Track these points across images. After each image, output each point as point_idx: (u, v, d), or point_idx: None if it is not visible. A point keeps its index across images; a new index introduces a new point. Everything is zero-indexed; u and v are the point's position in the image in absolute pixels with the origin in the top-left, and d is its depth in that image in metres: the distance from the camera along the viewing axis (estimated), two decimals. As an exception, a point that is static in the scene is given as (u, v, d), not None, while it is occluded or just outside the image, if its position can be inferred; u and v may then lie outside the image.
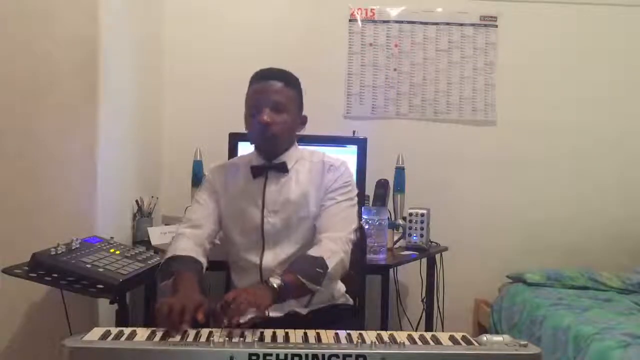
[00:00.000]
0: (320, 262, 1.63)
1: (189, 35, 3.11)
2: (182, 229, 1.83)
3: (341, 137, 2.84)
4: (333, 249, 1.69)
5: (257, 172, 1.83)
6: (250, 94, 1.80)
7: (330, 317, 1.80)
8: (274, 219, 1.79)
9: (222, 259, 1.94)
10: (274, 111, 1.75)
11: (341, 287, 1.92)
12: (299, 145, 1.90)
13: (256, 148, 1.86)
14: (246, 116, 1.82)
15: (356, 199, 1.87)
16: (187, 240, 1.78)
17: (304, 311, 1.75)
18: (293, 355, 1.17)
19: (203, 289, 1.62)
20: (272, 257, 1.79)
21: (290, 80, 1.81)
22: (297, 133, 1.88)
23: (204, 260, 1.78)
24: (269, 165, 1.83)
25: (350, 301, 1.96)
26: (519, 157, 3.25)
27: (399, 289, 3.00)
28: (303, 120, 1.88)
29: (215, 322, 1.40)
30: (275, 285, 1.51)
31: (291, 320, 1.69)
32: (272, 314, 1.50)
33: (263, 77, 1.79)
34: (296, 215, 1.79)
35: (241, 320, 1.34)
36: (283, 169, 1.81)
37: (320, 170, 1.82)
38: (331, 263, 1.65)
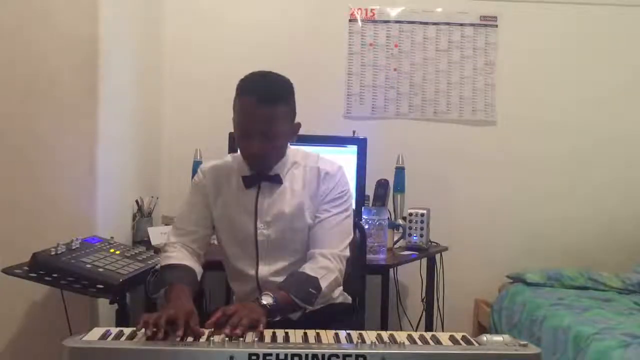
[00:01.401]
0: (314, 282, 1.62)
1: (189, 35, 3.11)
2: (173, 237, 1.77)
3: (341, 137, 2.84)
4: (328, 267, 1.67)
5: (250, 182, 1.75)
6: (239, 114, 1.65)
7: (329, 315, 1.79)
8: (268, 231, 1.74)
9: (221, 259, 1.93)
10: (265, 137, 1.63)
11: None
12: (296, 145, 1.83)
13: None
14: (235, 134, 1.70)
15: (352, 208, 1.82)
16: (180, 248, 1.74)
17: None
18: (293, 355, 1.17)
19: (197, 298, 1.59)
20: (267, 269, 1.76)
21: (280, 97, 1.65)
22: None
23: (198, 268, 1.72)
24: (262, 176, 1.74)
25: (349, 299, 1.95)
26: (519, 157, 3.24)
27: (399, 289, 3.00)
28: (295, 130, 1.75)
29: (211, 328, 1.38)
30: (266, 304, 1.49)
31: (289, 320, 1.68)
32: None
33: (250, 93, 1.62)
34: (291, 227, 1.74)
35: (239, 332, 1.32)
36: (277, 180, 1.74)
37: (315, 178, 1.75)
38: (324, 283, 1.64)
